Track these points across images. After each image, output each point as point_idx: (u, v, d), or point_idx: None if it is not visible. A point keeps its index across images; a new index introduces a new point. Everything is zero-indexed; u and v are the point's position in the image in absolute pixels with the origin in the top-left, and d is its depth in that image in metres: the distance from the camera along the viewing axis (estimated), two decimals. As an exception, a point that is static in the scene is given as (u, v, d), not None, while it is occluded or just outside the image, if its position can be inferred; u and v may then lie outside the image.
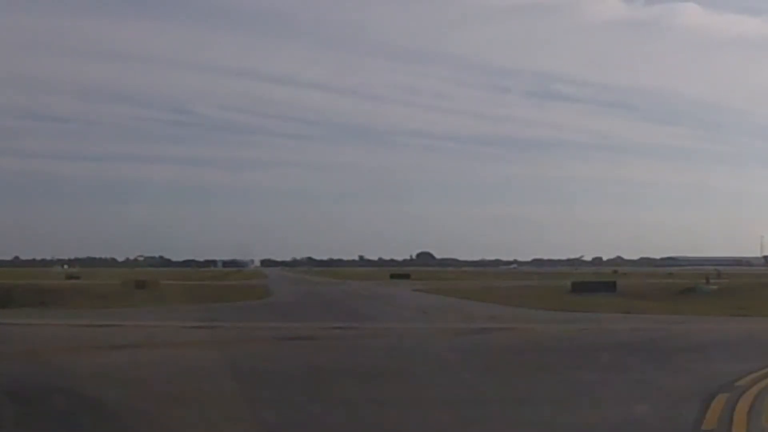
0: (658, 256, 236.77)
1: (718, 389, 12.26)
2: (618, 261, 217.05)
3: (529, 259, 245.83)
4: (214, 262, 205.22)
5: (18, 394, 11.77)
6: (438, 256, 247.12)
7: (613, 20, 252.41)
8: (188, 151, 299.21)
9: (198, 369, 15.79)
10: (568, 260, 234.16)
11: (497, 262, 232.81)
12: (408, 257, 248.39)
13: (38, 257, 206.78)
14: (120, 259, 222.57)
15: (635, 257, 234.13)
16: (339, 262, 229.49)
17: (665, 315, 32.06)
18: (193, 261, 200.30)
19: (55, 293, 43.23)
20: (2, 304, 33.14)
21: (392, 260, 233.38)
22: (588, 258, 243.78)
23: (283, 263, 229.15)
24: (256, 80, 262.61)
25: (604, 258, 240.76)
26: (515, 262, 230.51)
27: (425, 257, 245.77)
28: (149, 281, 58.85)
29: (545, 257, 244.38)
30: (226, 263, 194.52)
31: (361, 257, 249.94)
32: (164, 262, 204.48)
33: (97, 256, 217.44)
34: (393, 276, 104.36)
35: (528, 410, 11.21)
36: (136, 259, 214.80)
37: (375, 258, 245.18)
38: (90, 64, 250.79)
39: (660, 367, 15.85)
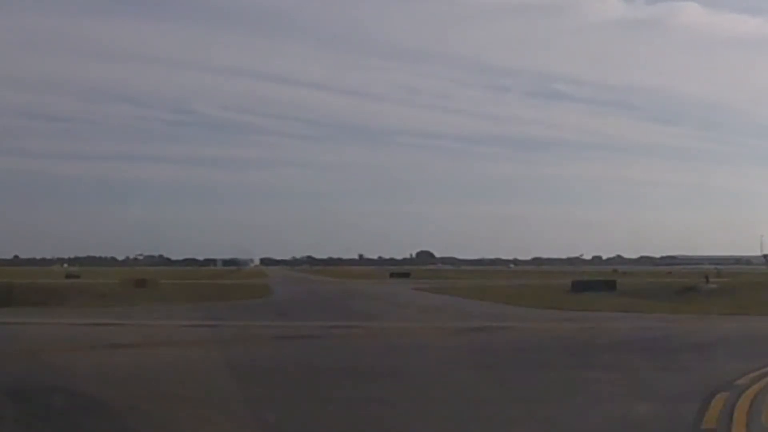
0: (658, 255, 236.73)
1: (718, 388, 12.26)
2: (618, 260, 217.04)
3: (528, 258, 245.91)
4: (213, 261, 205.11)
5: (18, 394, 11.77)
6: (438, 255, 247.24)
7: (613, 20, 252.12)
8: (188, 151, 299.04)
9: (198, 368, 15.80)
10: (568, 259, 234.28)
11: (497, 261, 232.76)
12: (408, 256, 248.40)
13: (38, 256, 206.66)
14: (120, 258, 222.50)
15: (635, 256, 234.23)
16: (339, 261, 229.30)
17: (665, 314, 32.06)
18: (193, 260, 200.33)
19: (55, 292, 43.19)
20: (2, 303, 33.13)
21: (392, 259, 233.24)
22: (588, 257, 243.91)
23: (283, 262, 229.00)
24: (256, 80, 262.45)
25: (604, 257, 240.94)
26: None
27: (425, 256, 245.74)
28: (149, 280, 58.84)
29: (545, 256, 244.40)
30: (226, 262, 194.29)
31: (360, 256, 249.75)
32: (164, 261, 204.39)
33: (97, 255, 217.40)
34: (393, 275, 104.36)
35: (529, 409, 11.22)
36: (135, 258, 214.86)
37: (375, 257, 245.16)
38: (90, 64, 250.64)
39: (659, 366, 15.86)
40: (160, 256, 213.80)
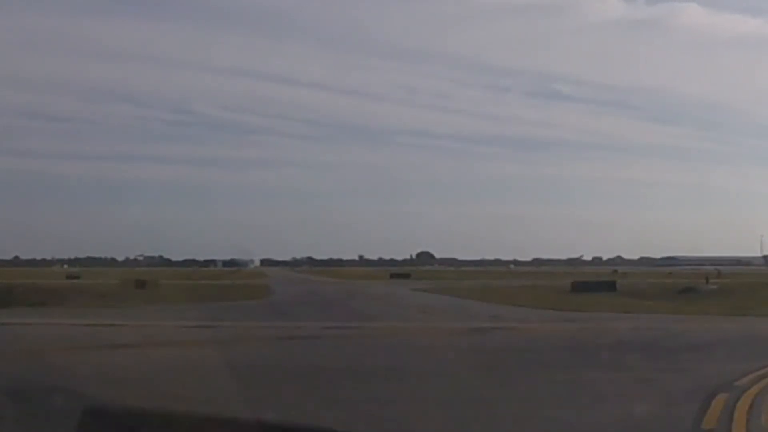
0: (658, 256, 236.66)
1: (718, 388, 12.27)
2: (618, 261, 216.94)
3: (529, 258, 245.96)
4: (214, 262, 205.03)
5: (18, 394, 11.77)
6: (438, 255, 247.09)
7: (613, 20, 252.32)
8: (188, 151, 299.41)
9: (198, 369, 15.80)
10: (568, 260, 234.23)
11: (497, 262, 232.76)
12: (408, 257, 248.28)
13: (38, 257, 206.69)
14: (120, 258, 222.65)
15: (635, 257, 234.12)
16: (339, 262, 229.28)
17: (665, 314, 32.07)
18: (193, 261, 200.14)
19: (55, 293, 43.19)
20: (2, 304, 33.12)
21: (392, 260, 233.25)
22: (588, 258, 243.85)
23: (284, 263, 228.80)
24: (257, 80, 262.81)
25: (604, 258, 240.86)
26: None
27: (425, 257, 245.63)
28: (149, 281, 58.77)
29: (545, 257, 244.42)
30: (226, 263, 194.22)
31: (361, 257, 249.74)
32: (164, 262, 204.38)
33: (97, 255, 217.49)
34: (393, 275, 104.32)
35: (530, 408, 11.23)
36: (135, 259, 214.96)
37: (375, 258, 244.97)
38: (90, 64, 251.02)
39: (660, 367, 15.86)
40: (160, 257, 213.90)
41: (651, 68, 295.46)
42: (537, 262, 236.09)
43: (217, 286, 62.65)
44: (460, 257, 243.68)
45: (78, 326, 25.50)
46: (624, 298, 44.32)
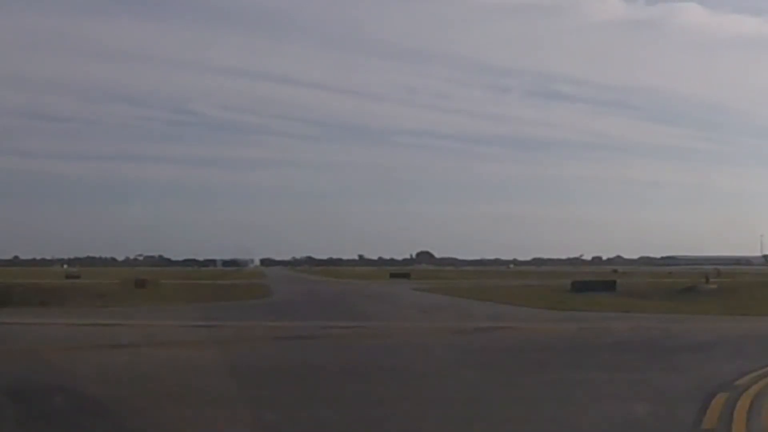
0: (658, 256, 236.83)
1: (718, 388, 12.27)
2: (618, 260, 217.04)
3: (529, 258, 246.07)
4: (213, 262, 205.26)
5: (18, 394, 11.77)
6: (438, 255, 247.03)
7: (613, 20, 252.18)
8: (188, 151, 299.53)
9: (198, 368, 15.80)
10: (568, 259, 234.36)
11: (497, 262, 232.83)
12: (408, 257, 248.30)
13: (38, 257, 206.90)
14: (120, 258, 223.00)
15: (635, 256, 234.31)
16: (339, 262, 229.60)
17: (665, 314, 32.06)
18: (192, 260, 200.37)
19: (55, 292, 43.20)
20: (2, 304, 33.12)
21: (392, 260, 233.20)
22: (588, 257, 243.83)
23: (283, 262, 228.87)
24: (256, 80, 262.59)
25: (604, 257, 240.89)
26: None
27: (425, 257, 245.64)
28: (149, 280, 58.86)
29: (545, 256, 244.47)
30: (225, 262, 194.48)
31: (360, 257, 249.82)
32: (164, 262, 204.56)
33: (97, 255, 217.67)
34: (393, 275, 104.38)
35: (529, 408, 11.22)
36: (135, 259, 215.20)
37: (375, 257, 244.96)
38: (90, 64, 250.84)
39: (659, 366, 15.86)
40: (160, 257, 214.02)
41: (651, 68, 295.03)
42: (537, 261, 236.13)
43: (217, 285, 62.63)
44: (460, 257, 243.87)
45: (78, 326, 25.51)
46: (624, 297, 44.31)
